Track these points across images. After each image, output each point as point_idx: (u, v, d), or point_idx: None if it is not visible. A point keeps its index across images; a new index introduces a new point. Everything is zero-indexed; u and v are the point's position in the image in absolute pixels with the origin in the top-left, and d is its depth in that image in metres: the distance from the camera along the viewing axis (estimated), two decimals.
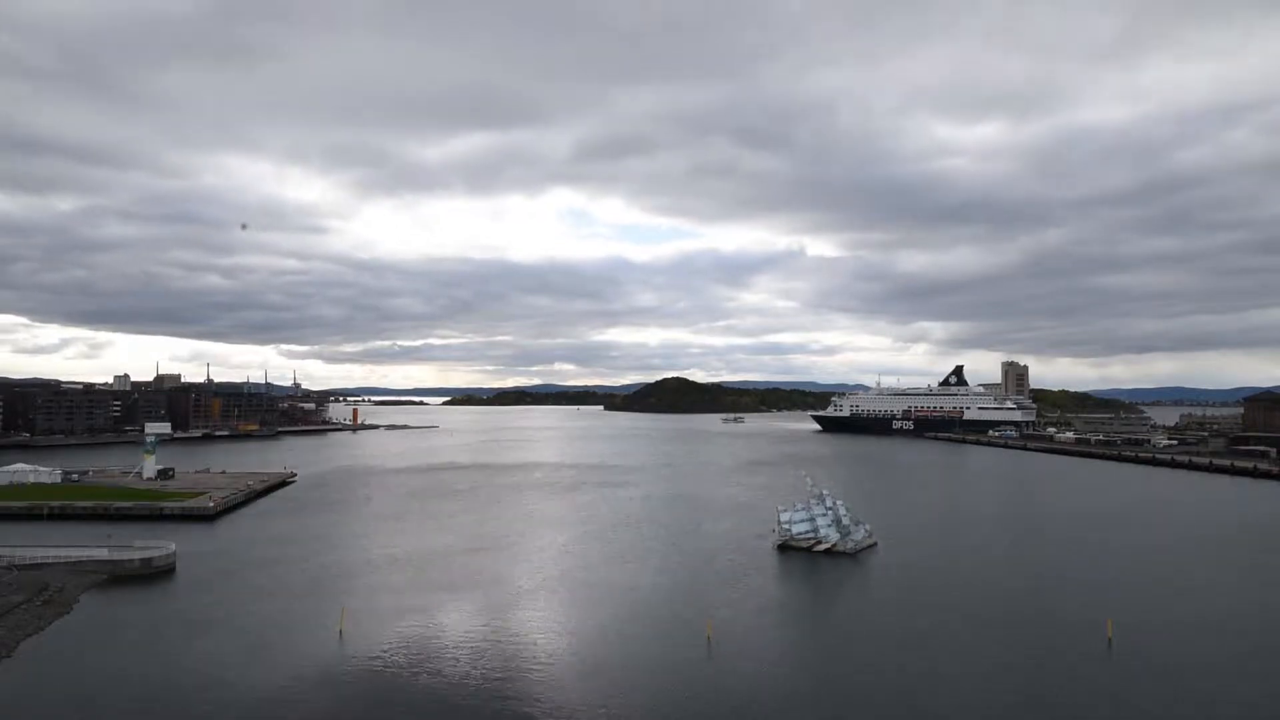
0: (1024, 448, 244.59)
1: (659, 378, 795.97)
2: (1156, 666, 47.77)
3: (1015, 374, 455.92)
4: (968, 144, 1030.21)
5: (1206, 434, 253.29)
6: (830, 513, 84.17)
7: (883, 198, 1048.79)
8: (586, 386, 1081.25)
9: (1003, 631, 54.68)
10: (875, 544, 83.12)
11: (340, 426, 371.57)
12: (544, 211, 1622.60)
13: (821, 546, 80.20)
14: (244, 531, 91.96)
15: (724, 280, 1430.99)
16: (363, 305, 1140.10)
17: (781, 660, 49.21)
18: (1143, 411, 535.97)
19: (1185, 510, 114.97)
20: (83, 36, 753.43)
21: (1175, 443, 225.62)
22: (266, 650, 49.04)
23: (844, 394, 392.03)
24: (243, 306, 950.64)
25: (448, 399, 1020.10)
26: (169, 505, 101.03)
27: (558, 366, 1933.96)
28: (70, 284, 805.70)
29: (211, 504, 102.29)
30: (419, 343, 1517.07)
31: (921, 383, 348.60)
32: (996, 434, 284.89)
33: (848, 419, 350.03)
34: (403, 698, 41.95)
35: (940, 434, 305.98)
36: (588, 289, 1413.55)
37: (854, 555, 78.97)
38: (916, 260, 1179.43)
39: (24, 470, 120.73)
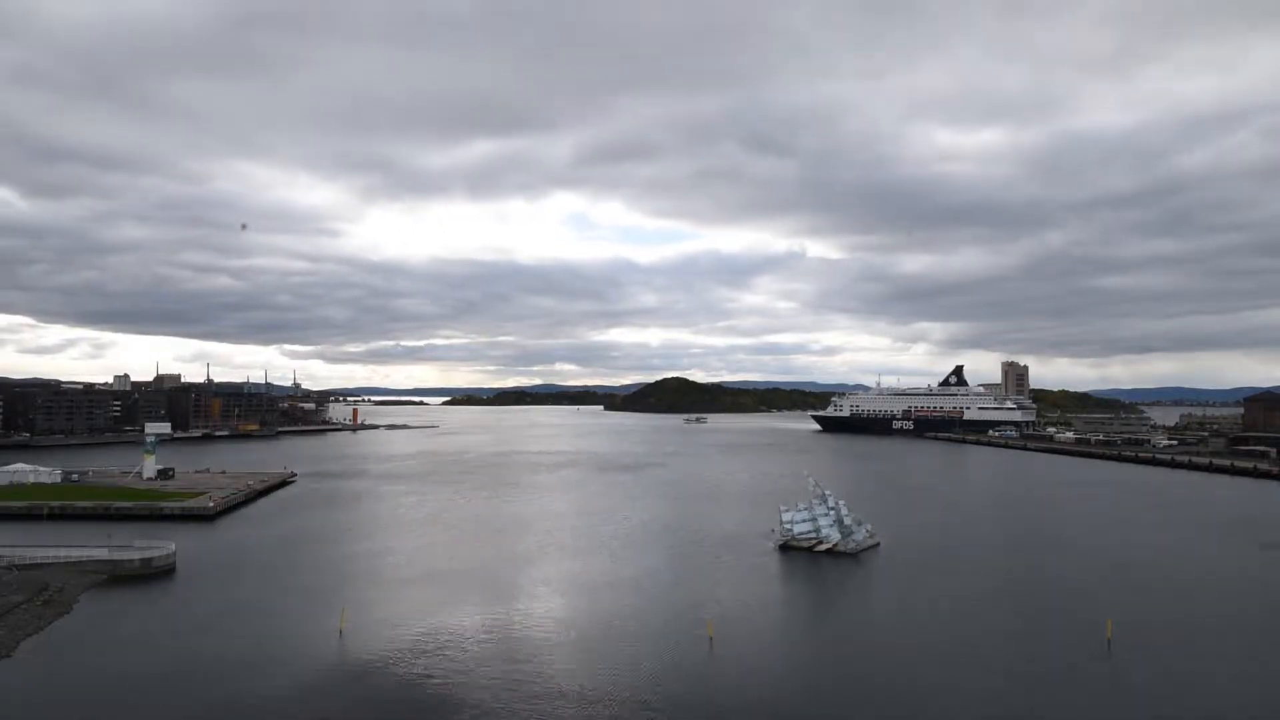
0: (1024, 448, 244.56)
1: (659, 378, 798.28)
2: (1156, 666, 47.76)
3: (1015, 374, 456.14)
4: (970, 150, 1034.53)
5: (1206, 434, 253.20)
6: (832, 513, 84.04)
7: (885, 201, 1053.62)
8: (587, 386, 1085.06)
9: (1003, 631, 54.68)
10: (878, 544, 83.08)
11: (340, 426, 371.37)
12: (546, 215, 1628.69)
13: (823, 547, 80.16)
14: (244, 531, 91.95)
15: (725, 281, 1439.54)
16: (369, 306, 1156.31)
17: (782, 660, 49.19)
18: (1143, 411, 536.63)
19: (1185, 510, 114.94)
20: (103, 49, 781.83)
21: (1175, 443, 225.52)
22: (267, 650, 48.96)
23: (844, 394, 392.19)
24: (249, 307, 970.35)
25: (448, 399, 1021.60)
26: (169, 505, 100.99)
27: (559, 366, 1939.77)
28: (80, 285, 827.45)
29: (211, 504, 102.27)
30: (422, 343, 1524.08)
31: (921, 383, 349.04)
32: (996, 434, 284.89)
33: (848, 419, 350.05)
34: (403, 698, 41.89)
35: (940, 434, 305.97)
36: (592, 289, 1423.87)
37: (855, 555, 78.94)
38: (918, 262, 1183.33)
39: (24, 470, 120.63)
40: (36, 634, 51.44)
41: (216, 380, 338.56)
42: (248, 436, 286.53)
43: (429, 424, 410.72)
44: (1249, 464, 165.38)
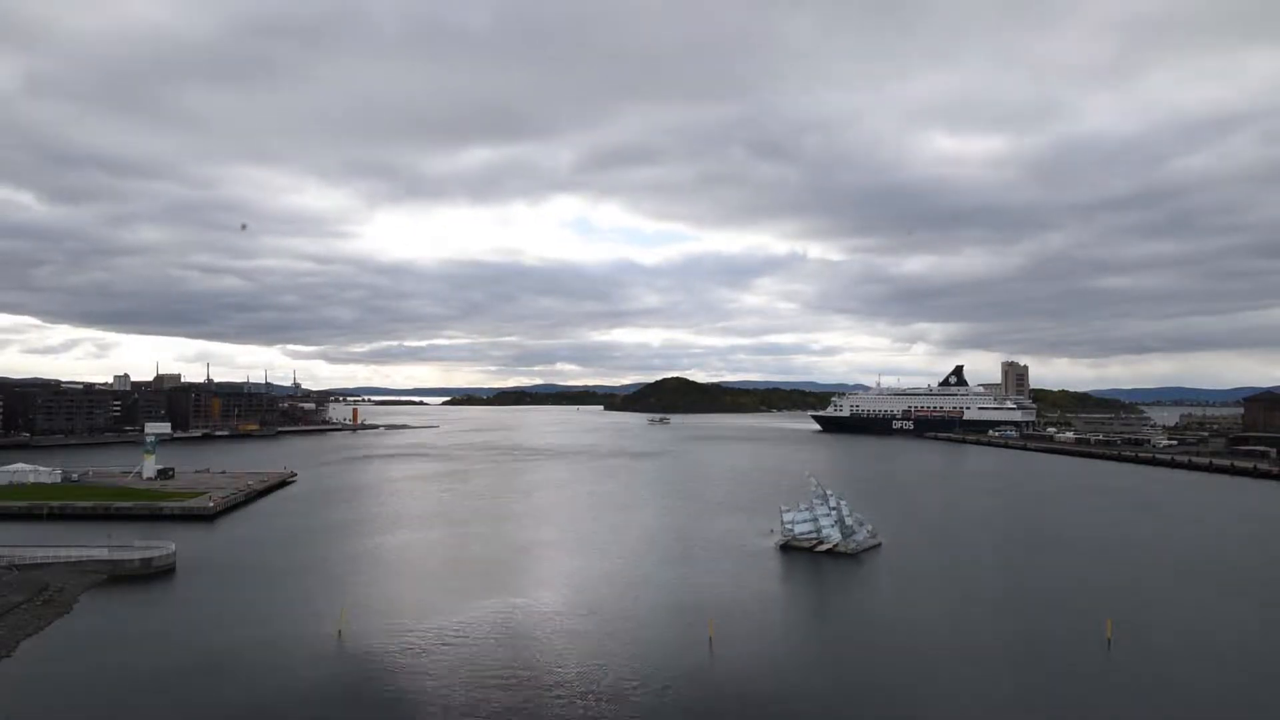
0: (1024, 448, 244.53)
1: (660, 378, 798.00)
2: (1156, 666, 47.76)
3: (1015, 374, 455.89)
4: (972, 155, 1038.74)
5: (1206, 434, 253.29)
6: (834, 513, 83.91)
7: (886, 204, 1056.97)
8: (587, 386, 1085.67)
9: (1003, 631, 54.67)
10: (879, 544, 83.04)
11: (340, 426, 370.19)
12: (547, 218, 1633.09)
13: (824, 547, 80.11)
14: (244, 531, 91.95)
15: (726, 282, 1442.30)
16: (375, 307, 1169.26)
17: (783, 660, 49.11)
18: (1142, 411, 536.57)
19: (1185, 510, 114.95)
20: (118, 59, 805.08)
21: (1175, 443, 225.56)
22: (266, 650, 48.90)
23: (844, 394, 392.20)
24: (254, 307, 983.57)
25: (448, 399, 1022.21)
26: (169, 505, 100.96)
27: (559, 366, 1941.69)
28: (87, 285, 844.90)
29: (211, 504, 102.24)
30: (424, 343, 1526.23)
31: (921, 383, 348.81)
32: (996, 434, 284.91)
33: (848, 419, 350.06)
34: (403, 698, 41.88)
35: (940, 434, 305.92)
36: (595, 290, 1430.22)
37: (856, 556, 78.90)
38: (919, 263, 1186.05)
39: (24, 470, 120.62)
40: (36, 634, 51.43)
41: (216, 380, 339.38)
42: (247, 436, 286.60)
43: (429, 424, 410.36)
44: (1249, 464, 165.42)
